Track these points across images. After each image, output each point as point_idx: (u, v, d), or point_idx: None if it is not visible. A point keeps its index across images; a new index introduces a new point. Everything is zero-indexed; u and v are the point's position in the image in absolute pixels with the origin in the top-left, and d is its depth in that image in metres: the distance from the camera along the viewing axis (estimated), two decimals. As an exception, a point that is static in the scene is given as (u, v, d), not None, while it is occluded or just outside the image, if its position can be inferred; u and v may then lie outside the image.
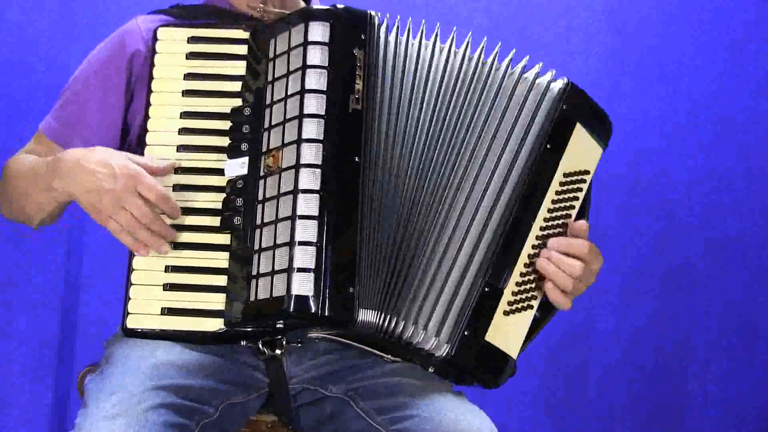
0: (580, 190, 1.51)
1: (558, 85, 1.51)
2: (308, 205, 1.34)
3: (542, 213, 1.46)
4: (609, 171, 2.71)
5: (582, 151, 1.50)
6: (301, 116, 1.37)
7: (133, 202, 1.37)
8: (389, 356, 1.48)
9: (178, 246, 1.44)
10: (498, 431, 1.41)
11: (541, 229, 1.46)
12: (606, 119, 1.55)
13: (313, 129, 1.37)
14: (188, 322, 1.41)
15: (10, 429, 2.45)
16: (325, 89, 1.38)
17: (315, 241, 1.33)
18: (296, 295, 1.32)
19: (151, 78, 1.49)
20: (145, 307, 1.42)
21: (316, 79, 1.38)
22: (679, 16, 2.76)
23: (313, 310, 1.31)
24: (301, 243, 1.33)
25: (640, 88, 2.74)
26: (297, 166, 1.36)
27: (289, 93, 1.40)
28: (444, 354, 1.41)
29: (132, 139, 1.60)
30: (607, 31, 2.74)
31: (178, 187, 1.45)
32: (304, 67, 1.38)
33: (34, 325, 2.47)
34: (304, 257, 1.33)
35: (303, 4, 1.69)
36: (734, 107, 2.75)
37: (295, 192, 1.35)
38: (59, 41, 2.48)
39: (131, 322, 1.42)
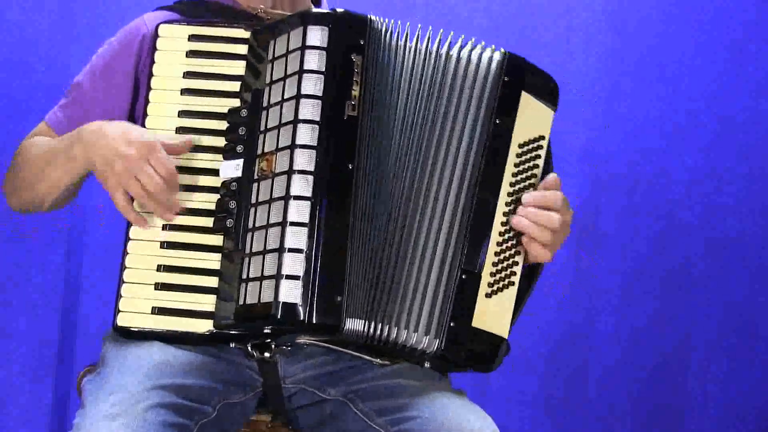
0: (539, 156, 1.50)
1: (496, 57, 1.48)
2: (299, 211, 1.34)
3: (504, 188, 1.46)
4: (609, 171, 2.71)
5: (533, 117, 1.50)
6: (295, 121, 1.37)
7: (144, 171, 1.38)
8: (378, 360, 1.48)
9: (170, 245, 1.44)
10: (499, 431, 1.41)
11: (507, 204, 1.46)
12: (550, 80, 1.54)
13: (307, 135, 1.36)
14: (178, 322, 1.42)
15: (10, 429, 2.45)
16: (320, 95, 1.37)
17: (305, 248, 1.33)
18: (284, 302, 1.32)
19: (150, 74, 1.49)
20: (137, 305, 1.43)
21: (313, 85, 1.38)
22: (679, 16, 2.75)
23: (300, 318, 1.32)
24: (291, 250, 1.33)
25: (640, 88, 2.73)
26: (290, 172, 1.36)
27: (285, 97, 1.39)
28: (435, 350, 1.41)
29: None
30: (607, 31, 2.73)
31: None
32: (301, 71, 1.38)
33: (34, 325, 2.47)
34: (293, 264, 1.33)
35: (312, 6, 1.69)
36: (734, 107, 2.74)
37: (286, 198, 1.35)
38: (59, 41, 2.48)
39: (122, 320, 1.42)
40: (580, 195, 2.69)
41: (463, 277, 1.42)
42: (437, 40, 1.48)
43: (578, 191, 2.69)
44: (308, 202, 1.34)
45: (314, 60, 1.38)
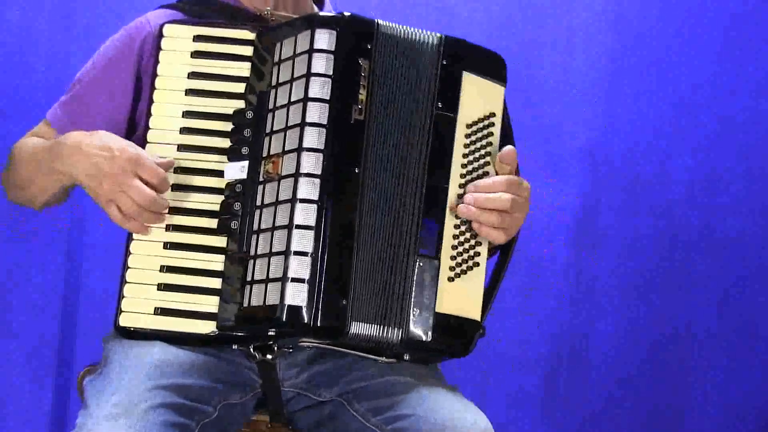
0: (491, 134, 1.49)
1: (433, 42, 1.46)
2: (306, 214, 1.34)
3: (456, 170, 1.45)
4: (609, 171, 2.71)
5: (480, 96, 1.49)
6: (302, 124, 1.37)
7: (132, 187, 1.38)
8: (382, 358, 1.48)
9: (173, 246, 1.44)
10: (496, 430, 1.41)
11: (460, 186, 1.45)
12: (494, 57, 1.52)
13: (314, 138, 1.36)
14: (181, 323, 1.42)
15: (10, 429, 2.45)
16: (328, 98, 1.37)
17: (311, 251, 1.33)
18: (289, 305, 1.32)
19: (154, 75, 1.49)
20: (139, 306, 1.43)
21: (320, 88, 1.38)
22: (679, 16, 2.75)
23: (305, 321, 1.32)
24: (297, 253, 1.33)
25: (640, 88, 2.73)
26: (296, 175, 1.36)
27: (292, 100, 1.39)
28: (399, 339, 1.40)
29: (139, 135, 1.60)
30: (607, 31, 2.73)
31: (177, 187, 1.45)
32: (309, 74, 1.38)
33: (34, 325, 2.47)
34: (299, 267, 1.33)
35: (315, 8, 1.69)
36: (734, 107, 2.75)
37: (293, 201, 1.35)
38: (59, 41, 2.47)
39: (124, 321, 1.42)
40: (580, 194, 2.69)
41: (420, 264, 1.41)
42: (410, 34, 1.46)
43: (578, 191, 2.69)
44: (315, 206, 1.34)
45: (322, 63, 1.38)
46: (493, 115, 1.50)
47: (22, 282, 2.47)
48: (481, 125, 1.48)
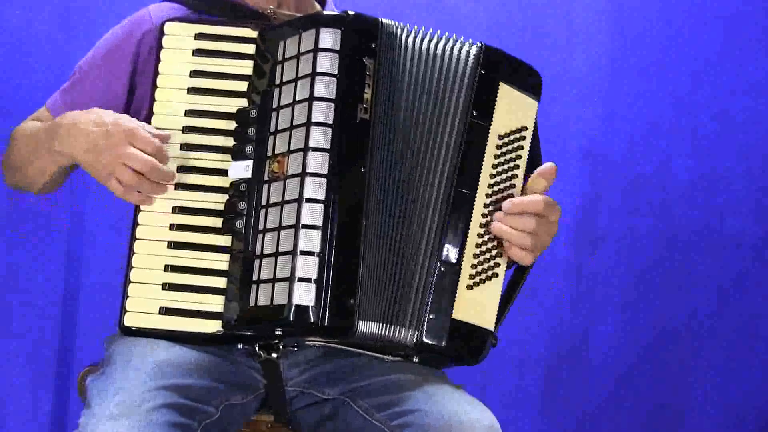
0: (521, 147, 1.49)
1: (473, 51, 1.47)
2: (312, 214, 1.34)
3: (484, 180, 1.45)
4: (609, 171, 2.71)
5: (514, 109, 1.49)
6: (308, 124, 1.37)
7: (130, 156, 1.38)
8: (389, 357, 1.48)
9: (177, 245, 1.44)
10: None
11: (487, 195, 1.46)
12: (532, 72, 1.52)
13: (320, 138, 1.36)
14: (186, 322, 1.42)
15: (10, 429, 2.45)
16: (333, 98, 1.37)
17: (318, 251, 1.33)
18: (297, 305, 1.32)
19: (156, 73, 1.49)
20: (144, 305, 1.42)
21: (325, 87, 1.37)
22: (679, 16, 2.75)
23: (312, 321, 1.32)
24: (304, 252, 1.33)
25: (640, 88, 2.74)
26: (303, 174, 1.36)
27: (297, 99, 1.39)
28: (414, 341, 1.40)
29: None
30: (607, 31, 2.74)
31: (180, 186, 1.45)
32: (314, 74, 1.38)
33: (34, 325, 2.47)
34: (307, 267, 1.33)
35: (318, 7, 1.69)
36: (734, 107, 2.75)
37: (299, 201, 1.35)
38: (59, 41, 2.47)
39: (129, 321, 1.42)
40: (580, 195, 2.70)
41: (442, 269, 1.41)
42: (427, 37, 1.47)
43: (578, 191, 2.69)
44: (321, 205, 1.34)
45: (327, 62, 1.38)
46: (525, 129, 1.50)
47: (22, 282, 2.47)
48: (512, 137, 1.49)
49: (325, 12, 1.58)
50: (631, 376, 2.71)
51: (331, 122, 1.36)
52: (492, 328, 1.46)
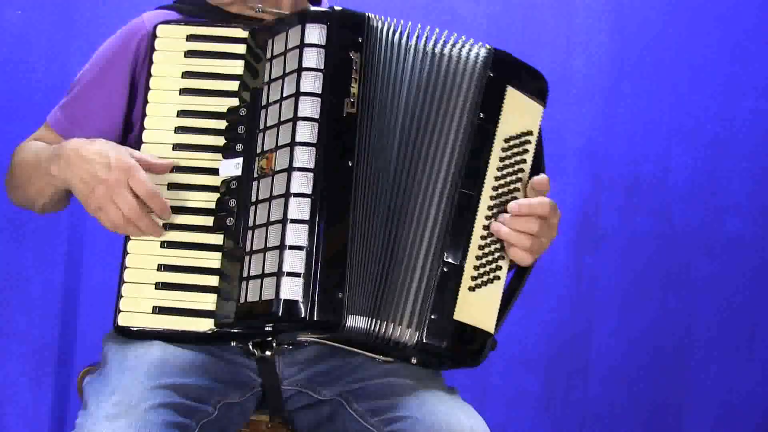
0: (526, 151, 1.50)
1: (482, 54, 1.48)
2: (299, 209, 1.34)
3: (489, 182, 1.45)
4: (609, 171, 2.71)
5: (520, 113, 1.49)
6: (295, 119, 1.36)
7: (123, 196, 1.37)
8: (380, 357, 1.47)
9: (170, 245, 1.44)
10: (496, 430, 1.41)
11: (492, 198, 1.45)
12: (538, 77, 1.53)
13: (306, 132, 1.36)
14: (179, 321, 1.42)
15: (10, 429, 2.45)
16: (319, 92, 1.37)
17: (305, 245, 1.33)
18: (285, 299, 1.31)
19: (149, 75, 1.49)
20: (137, 305, 1.42)
21: (311, 82, 1.37)
22: (680, 16, 2.75)
23: (301, 315, 1.31)
24: (292, 247, 1.33)
25: (640, 88, 2.74)
26: (290, 169, 1.35)
27: (284, 95, 1.39)
28: (415, 341, 1.39)
29: (135, 135, 1.60)
30: (607, 31, 2.74)
31: (173, 186, 1.45)
32: (300, 69, 1.38)
33: (34, 325, 2.47)
34: (294, 261, 1.32)
35: (310, 6, 1.69)
36: (735, 107, 2.75)
37: (286, 195, 1.34)
38: (59, 41, 2.48)
39: (123, 320, 1.42)
40: (581, 194, 2.70)
41: (445, 269, 1.41)
42: (432, 38, 1.47)
43: (578, 191, 2.69)
44: (308, 199, 1.34)
45: (313, 57, 1.38)
46: (530, 133, 1.50)
47: (22, 282, 2.47)
48: (518, 141, 1.49)
49: (312, 8, 1.58)
50: (632, 375, 2.71)
51: (317, 117, 1.36)
52: (492, 331, 1.46)
